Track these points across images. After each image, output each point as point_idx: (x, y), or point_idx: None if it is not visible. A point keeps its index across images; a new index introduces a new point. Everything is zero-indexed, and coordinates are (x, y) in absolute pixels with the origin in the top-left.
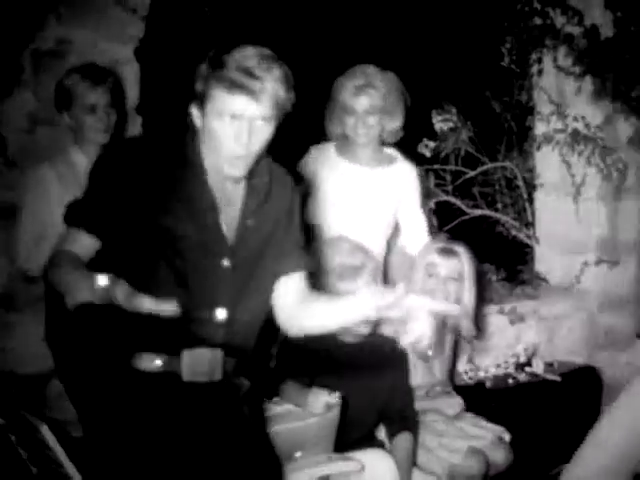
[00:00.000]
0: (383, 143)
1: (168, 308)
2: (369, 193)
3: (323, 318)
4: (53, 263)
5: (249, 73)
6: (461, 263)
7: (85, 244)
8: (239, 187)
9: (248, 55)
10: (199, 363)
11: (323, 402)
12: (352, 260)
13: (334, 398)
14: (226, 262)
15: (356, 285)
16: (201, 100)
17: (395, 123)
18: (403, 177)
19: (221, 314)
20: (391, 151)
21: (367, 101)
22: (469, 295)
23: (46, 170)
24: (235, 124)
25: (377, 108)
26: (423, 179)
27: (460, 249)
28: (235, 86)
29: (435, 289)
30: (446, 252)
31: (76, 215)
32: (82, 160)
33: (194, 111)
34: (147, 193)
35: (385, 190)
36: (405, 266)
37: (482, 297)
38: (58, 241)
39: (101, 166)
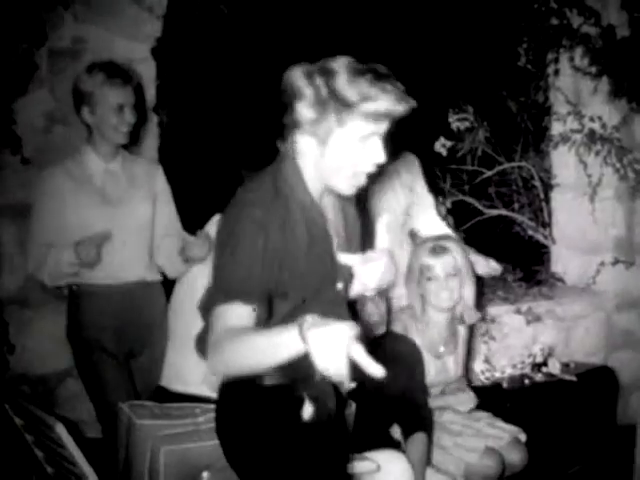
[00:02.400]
0: None
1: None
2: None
3: None
4: (221, 346)
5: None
6: (454, 257)
7: (243, 314)
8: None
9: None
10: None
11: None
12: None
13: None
14: (339, 285)
15: None
16: (316, 127)
17: None
18: (410, 167)
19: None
20: None
21: None
22: (468, 286)
23: (59, 174)
24: (368, 142)
25: None
26: (439, 179)
27: (449, 244)
28: (374, 117)
29: (438, 290)
30: (437, 251)
31: (225, 291)
32: (95, 160)
33: (304, 138)
34: (274, 243)
35: (395, 184)
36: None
37: (481, 283)
38: (212, 331)
39: (229, 235)
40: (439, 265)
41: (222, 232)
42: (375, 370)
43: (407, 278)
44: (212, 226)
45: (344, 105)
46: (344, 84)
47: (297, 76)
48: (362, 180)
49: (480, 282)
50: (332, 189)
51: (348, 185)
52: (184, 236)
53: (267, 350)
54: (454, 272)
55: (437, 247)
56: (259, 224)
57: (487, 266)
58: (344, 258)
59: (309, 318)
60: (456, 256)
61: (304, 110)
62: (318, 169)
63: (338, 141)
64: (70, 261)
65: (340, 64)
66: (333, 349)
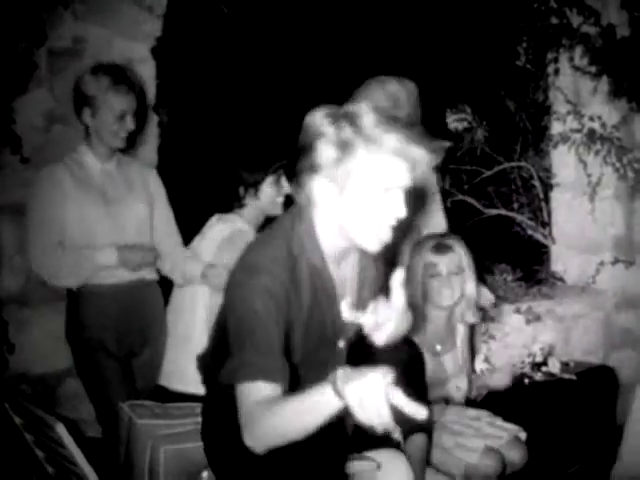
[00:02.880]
0: None
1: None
2: None
3: None
4: (257, 420)
5: (410, 142)
6: (458, 255)
7: (269, 389)
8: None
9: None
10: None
11: None
12: None
13: None
14: (341, 344)
15: None
16: (336, 168)
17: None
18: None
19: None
20: None
21: None
22: (470, 285)
23: (59, 170)
24: (391, 194)
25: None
26: (439, 179)
27: (453, 241)
28: (397, 157)
29: (440, 288)
30: (442, 249)
31: (249, 371)
32: (92, 161)
33: (322, 183)
34: (284, 312)
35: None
36: None
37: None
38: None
39: (244, 309)
40: (443, 263)
41: (234, 300)
42: (420, 412)
43: (407, 276)
44: (210, 227)
45: (368, 140)
46: (370, 124)
47: (319, 117)
48: (386, 234)
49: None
50: (356, 245)
51: (371, 239)
52: (206, 264)
53: (305, 415)
54: (457, 270)
55: (441, 245)
56: (272, 296)
57: (480, 296)
58: (355, 317)
59: (340, 372)
60: (460, 254)
61: (324, 149)
62: (337, 221)
63: (357, 185)
64: (108, 263)
65: (365, 108)
66: (373, 400)
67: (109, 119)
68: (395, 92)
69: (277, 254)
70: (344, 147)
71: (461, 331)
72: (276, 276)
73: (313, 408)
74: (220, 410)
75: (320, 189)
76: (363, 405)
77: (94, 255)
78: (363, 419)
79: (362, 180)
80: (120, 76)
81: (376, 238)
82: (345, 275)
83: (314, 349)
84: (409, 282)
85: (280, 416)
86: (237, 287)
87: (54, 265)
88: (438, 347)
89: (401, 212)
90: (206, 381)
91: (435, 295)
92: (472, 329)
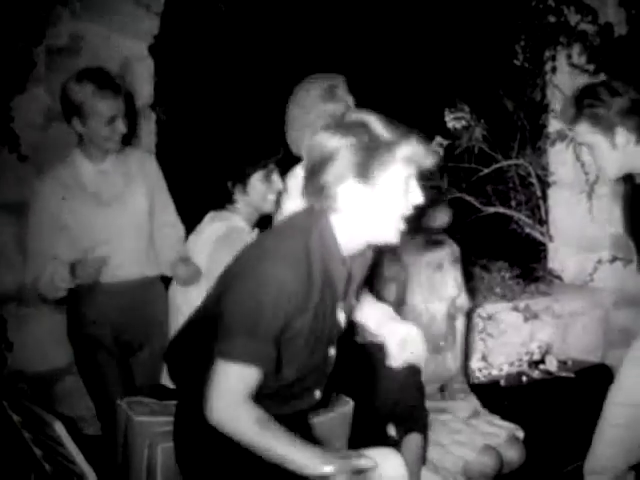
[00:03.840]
0: None
1: None
2: None
3: None
4: (231, 413)
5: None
6: (451, 246)
7: (254, 376)
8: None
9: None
10: None
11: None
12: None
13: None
14: (332, 351)
15: None
16: (364, 169)
17: None
18: None
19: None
20: None
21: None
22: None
23: (50, 183)
24: (410, 182)
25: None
26: (437, 177)
27: (443, 236)
28: (411, 161)
29: (445, 279)
30: (439, 243)
31: (241, 352)
32: (86, 165)
33: (350, 187)
34: (297, 304)
35: None
36: None
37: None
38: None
39: (255, 294)
40: (447, 255)
41: (245, 283)
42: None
43: (417, 277)
44: (205, 225)
45: (387, 148)
46: (381, 128)
47: (325, 138)
48: (402, 224)
49: (477, 279)
50: (375, 242)
51: (395, 230)
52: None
53: (287, 463)
54: (456, 260)
55: (436, 240)
56: (285, 287)
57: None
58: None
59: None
60: (453, 245)
61: (349, 157)
62: (359, 221)
63: (387, 177)
64: (64, 277)
65: (366, 115)
66: None
67: (99, 125)
68: (333, 86)
69: (296, 246)
70: (366, 152)
71: (459, 326)
72: (294, 267)
73: (296, 464)
74: (191, 412)
75: (350, 192)
76: None
77: (57, 268)
78: None
79: (391, 171)
80: (104, 81)
81: (397, 228)
82: (349, 276)
83: (309, 351)
84: (410, 281)
85: (269, 447)
86: (251, 270)
87: (39, 275)
88: (442, 343)
89: (419, 198)
90: (175, 373)
91: (441, 287)
92: (467, 326)
